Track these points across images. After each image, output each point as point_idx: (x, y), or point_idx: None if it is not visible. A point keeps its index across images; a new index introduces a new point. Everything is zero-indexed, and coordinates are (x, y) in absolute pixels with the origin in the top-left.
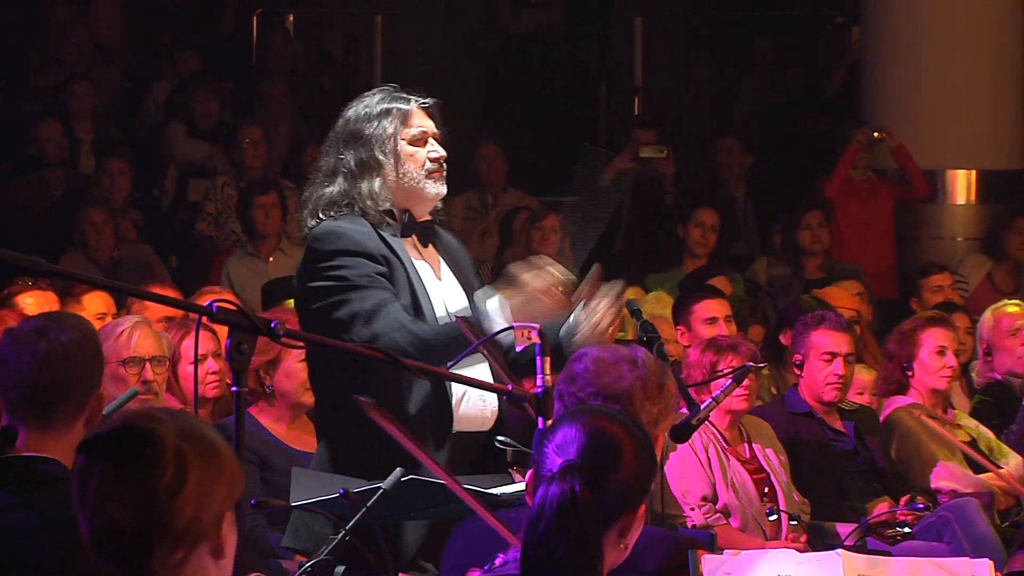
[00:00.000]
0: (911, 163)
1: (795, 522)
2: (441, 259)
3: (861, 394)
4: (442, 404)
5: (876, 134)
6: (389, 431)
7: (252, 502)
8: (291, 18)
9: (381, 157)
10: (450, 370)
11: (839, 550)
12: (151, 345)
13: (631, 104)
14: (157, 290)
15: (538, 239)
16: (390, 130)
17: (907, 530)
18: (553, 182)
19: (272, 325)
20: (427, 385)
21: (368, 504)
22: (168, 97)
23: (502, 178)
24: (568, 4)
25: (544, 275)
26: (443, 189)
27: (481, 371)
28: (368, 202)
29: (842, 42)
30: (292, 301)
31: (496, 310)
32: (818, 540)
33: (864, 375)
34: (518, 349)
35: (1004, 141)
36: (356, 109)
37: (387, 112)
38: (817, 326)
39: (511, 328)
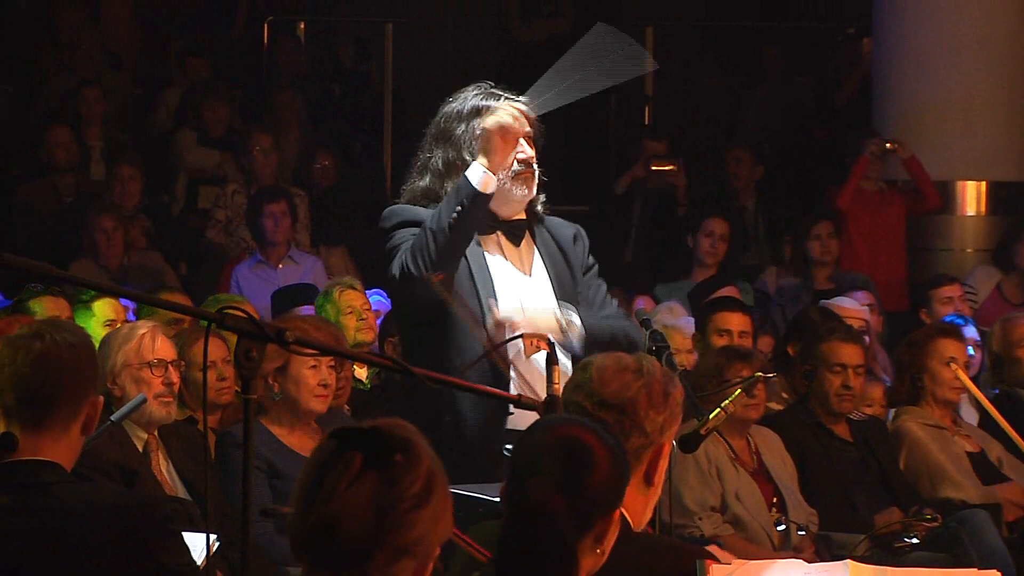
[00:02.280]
0: (923, 174)
1: (803, 532)
2: (538, 255)
3: (870, 406)
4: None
5: (888, 145)
6: None
7: (260, 510)
8: (302, 25)
9: (468, 158)
10: (461, 379)
11: (847, 561)
12: (171, 348)
13: (641, 113)
14: (167, 297)
15: None
16: (478, 131)
17: (915, 541)
18: (563, 191)
19: (281, 332)
20: (480, 375)
21: None
22: (178, 104)
23: None
24: (578, 13)
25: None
26: (529, 191)
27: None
28: None
29: (853, 53)
30: (301, 308)
31: (475, 170)
32: (826, 551)
33: (873, 386)
34: (526, 357)
35: (1014, 152)
36: (450, 107)
37: (477, 111)
38: (827, 337)
39: (520, 336)
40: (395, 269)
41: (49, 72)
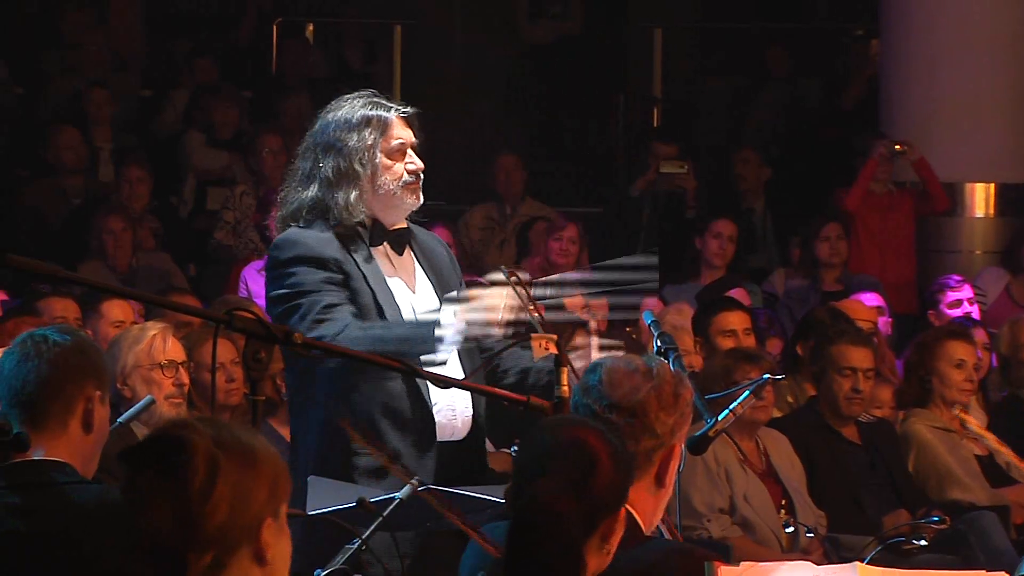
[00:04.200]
0: (932, 176)
1: (811, 534)
2: (417, 267)
3: (880, 408)
4: (423, 410)
5: (897, 147)
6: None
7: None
8: (310, 27)
9: (359, 168)
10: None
11: (855, 563)
12: (181, 350)
13: (649, 114)
14: (175, 299)
15: (557, 250)
16: (369, 141)
17: (923, 543)
18: (571, 192)
19: (289, 334)
20: (404, 390)
21: (383, 514)
22: (186, 105)
23: (520, 188)
24: (586, 14)
25: (508, 301)
26: (417, 200)
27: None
28: (344, 213)
29: (861, 54)
30: None
31: (448, 321)
32: (834, 553)
33: (882, 388)
34: (535, 358)
35: (1023, 154)
36: (336, 115)
37: (367, 121)
38: (837, 340)
39: (529, 337)
40: (310, 331)
41: (57, 73)
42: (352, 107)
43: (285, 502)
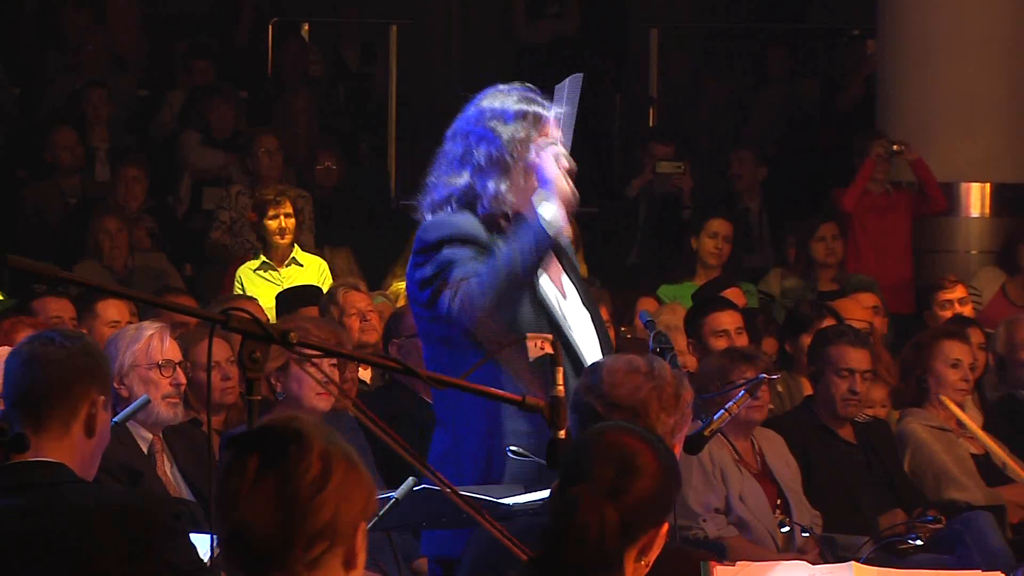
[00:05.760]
0: (929, 176)
1: (807, 534)
2: (565, 276)
3: (883, 407)
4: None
5: (895, 147)
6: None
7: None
8: (306, 27)
9: (510, 160)
10: (464, 380)
11: (851, 563)
12: (178, 349)
13: (646, 115)
14: (171, 299)
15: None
16: (522, 135)
17: (919, 543)
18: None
19: (285, 334)
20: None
21: (380, 513)
22: (183, 105)
23: None
24: (583, 15)
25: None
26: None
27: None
28: (493, 202)
29: (858, 55)
30: (306, 310)
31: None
32: (830, 552)
33: (877, 388)
34: (530, 358)
35: (1019, 154)
36: (491, 104)
37: (523, 116)
38: (835, 341)
39: (525, 338)
40: (451, 304)
41: (55, 74)
42: (507, 99)
43: (373, 513)
